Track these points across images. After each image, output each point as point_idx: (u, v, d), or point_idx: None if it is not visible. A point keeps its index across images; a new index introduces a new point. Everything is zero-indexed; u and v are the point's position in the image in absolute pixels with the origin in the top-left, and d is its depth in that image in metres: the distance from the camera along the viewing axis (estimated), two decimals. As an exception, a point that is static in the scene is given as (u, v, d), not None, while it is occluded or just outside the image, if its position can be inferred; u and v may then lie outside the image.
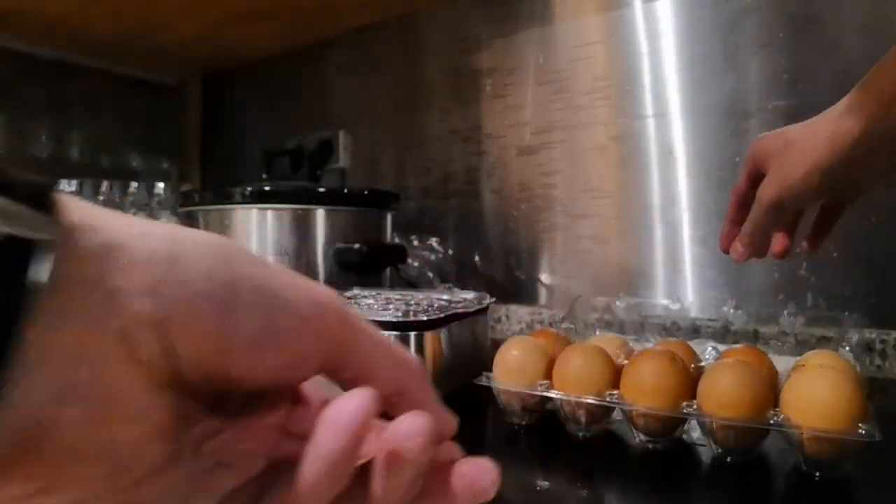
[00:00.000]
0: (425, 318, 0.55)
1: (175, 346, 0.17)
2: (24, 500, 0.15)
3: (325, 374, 0.20)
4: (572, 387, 0.49)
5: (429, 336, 0.55)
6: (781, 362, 0.53)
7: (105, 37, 1.41)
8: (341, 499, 0.18)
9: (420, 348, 0.54)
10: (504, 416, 0.55)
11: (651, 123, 0.93)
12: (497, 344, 0.58)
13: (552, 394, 0.50)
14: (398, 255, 0.92)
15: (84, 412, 0.15)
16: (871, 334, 0.76)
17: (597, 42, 0.99)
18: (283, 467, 0.19)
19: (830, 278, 0.79)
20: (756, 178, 0.49)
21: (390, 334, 0.54)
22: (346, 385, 0.20)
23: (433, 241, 1.18)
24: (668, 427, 0.48)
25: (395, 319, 0.54)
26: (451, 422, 0.23)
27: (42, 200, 0.15)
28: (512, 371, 0.53)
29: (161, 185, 1.38)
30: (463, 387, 0.61)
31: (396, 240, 1.11)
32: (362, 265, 0.85)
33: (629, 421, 0.48)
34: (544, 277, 1.05)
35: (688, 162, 0.90)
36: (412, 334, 0.54)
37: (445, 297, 0.69)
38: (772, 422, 0.42)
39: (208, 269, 0.17)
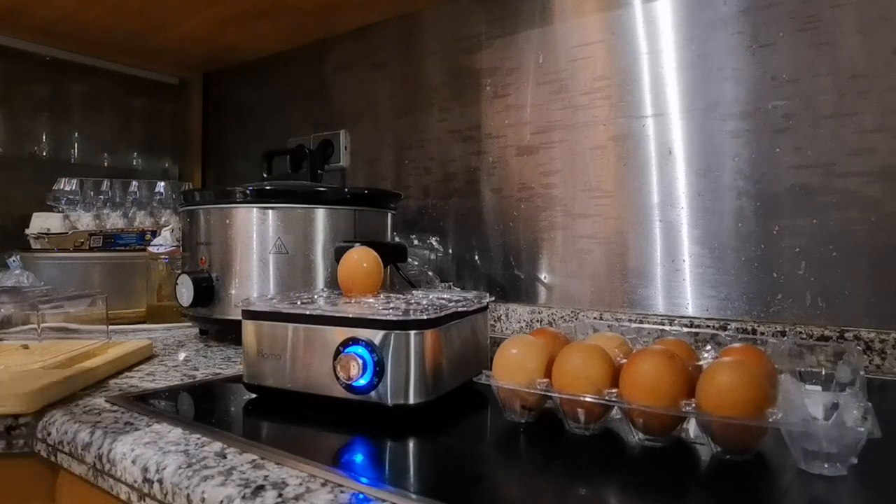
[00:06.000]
0: (425, 317, 0.55)
1: None
2: None
3: None
4: (571, 385, 0.50)
5: (429, 335, 0.55)
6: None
7: (106, 36, 1.41)
8: None
9: (420, 347, 0.54)
10: (503, 415, 0.55)
11: (650, 123, 0.93)
12: (497, 343, 0.58)
13: (551, 392, 0.50)
14: (398, 254, 0.92)
15: None
16: (871, 334, 0.76)
17: (597, 42, 0.99)
18: None
19: (830, 278, 0.79)
20: None
21: (389, 333, 0.54)
22: None
23: (433, 241, 1.19)
24: (667, 426, 0.48)
25: (395, 318, 0.54)
26: None
27: None
28: (511, 369, 0.53)
29: (162, 183, 1.39)
30: (463, 385, 0.62)
31: (397, 239, 1.11)
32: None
33: (628, 419, 0.49)
34: (544, 277, 1.05)
35: (687, 162, 0.90)
36: (412, 333, 0.54)
37: (445, 295, 0.69)
38: (770, 420, 0.42)
39: None
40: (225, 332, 0.96)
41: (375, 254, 0.69)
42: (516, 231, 1.09)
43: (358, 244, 0.72)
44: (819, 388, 0.54)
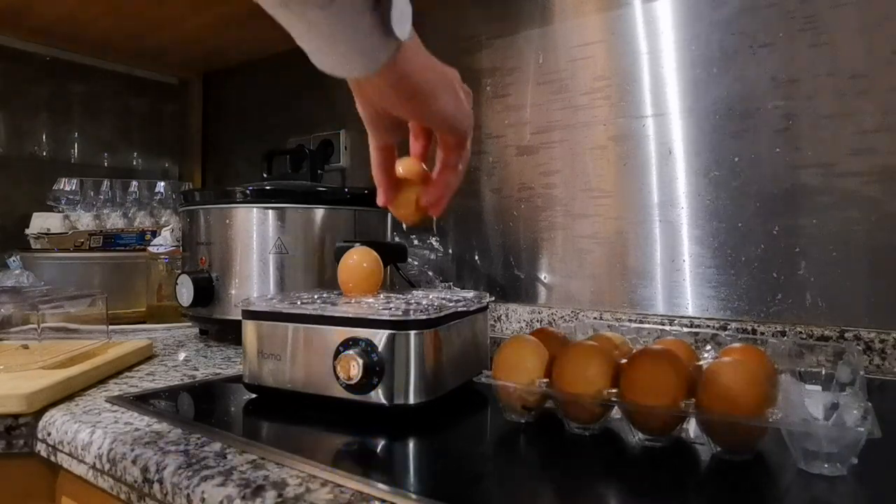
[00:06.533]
0: (425, 317, 0.55)
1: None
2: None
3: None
4: (571, 385, 0.50)
5: (429, 335, 0.55)
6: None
7: (106, 36, 1.41)
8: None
9: (420, 347, 0.54)
10: (503, 415, 0.55)
11: (650, 123, 0.93)
12: (497, 343, 0.58)
13: (551, 392, 0.50)
14: (398, 254, 0.92)
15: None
16: (871, 334, 0.76)
17: (597, 42, 0.99)
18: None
19: (830, 278, 0.79)
20: None
21: (389, 333, 0.54)
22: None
23: (433, 241, 1.18)
24: (667, 425, 0.48)
25: (395, 318, 0.54)
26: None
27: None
28: (511, 370, 0.53)
29: (162, 183, 1.38)
30: (463, 385, 0.62)
31: (397, 239, 1.11)
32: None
33: (628, 419, 0.49)
34: (544, 276, 1.05)
35: (687, 162, 0.90)
36: (412, 333, 0.54)
37: (445, 295, 0.69)
38: (770, 420, 0.42)
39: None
40: (225, 332, 0.96)
41: (375, 254, 0.69)
42: (516, 231, 1.09)
43: (358, 244, 0.71)
44: (819, 388, 0.54)
